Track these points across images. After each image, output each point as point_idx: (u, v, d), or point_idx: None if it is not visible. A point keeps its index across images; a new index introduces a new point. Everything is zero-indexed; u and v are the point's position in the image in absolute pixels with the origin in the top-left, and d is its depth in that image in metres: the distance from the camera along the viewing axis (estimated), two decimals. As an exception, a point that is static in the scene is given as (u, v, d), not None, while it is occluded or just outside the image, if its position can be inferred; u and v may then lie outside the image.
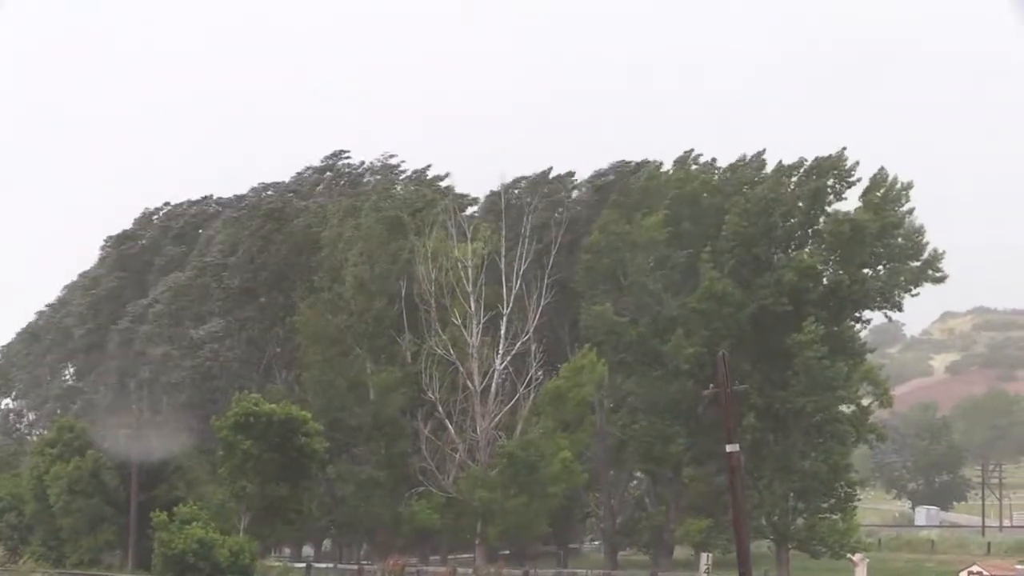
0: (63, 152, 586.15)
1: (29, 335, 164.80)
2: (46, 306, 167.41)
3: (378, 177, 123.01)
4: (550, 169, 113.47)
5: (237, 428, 74.95)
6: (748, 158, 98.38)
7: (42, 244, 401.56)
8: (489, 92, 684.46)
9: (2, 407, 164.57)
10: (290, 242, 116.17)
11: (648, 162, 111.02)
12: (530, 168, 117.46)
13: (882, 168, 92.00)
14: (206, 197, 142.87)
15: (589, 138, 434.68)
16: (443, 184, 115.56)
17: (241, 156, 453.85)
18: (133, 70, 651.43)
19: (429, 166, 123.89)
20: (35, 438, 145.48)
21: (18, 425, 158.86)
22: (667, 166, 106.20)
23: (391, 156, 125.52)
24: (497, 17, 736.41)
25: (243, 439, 74.20)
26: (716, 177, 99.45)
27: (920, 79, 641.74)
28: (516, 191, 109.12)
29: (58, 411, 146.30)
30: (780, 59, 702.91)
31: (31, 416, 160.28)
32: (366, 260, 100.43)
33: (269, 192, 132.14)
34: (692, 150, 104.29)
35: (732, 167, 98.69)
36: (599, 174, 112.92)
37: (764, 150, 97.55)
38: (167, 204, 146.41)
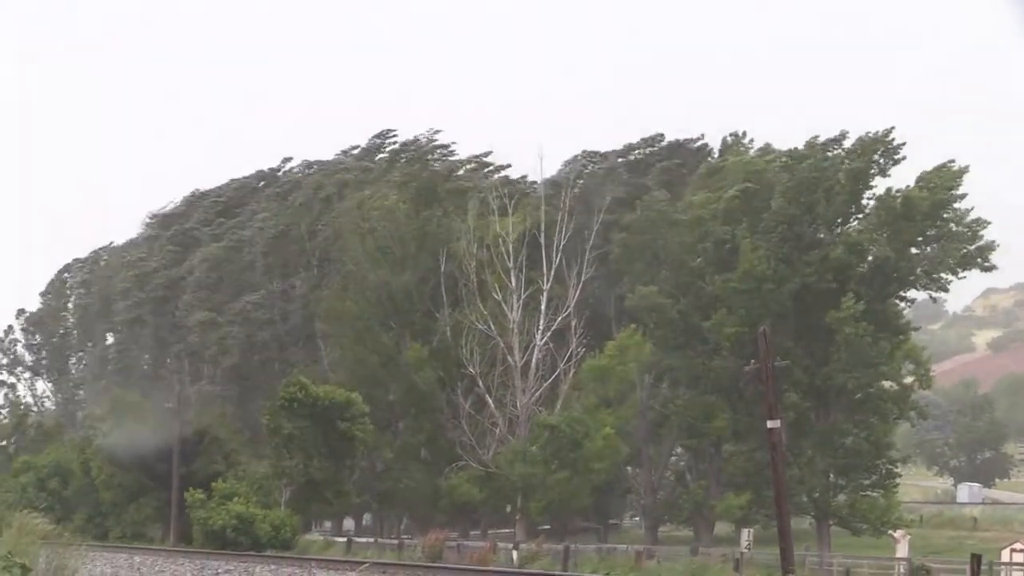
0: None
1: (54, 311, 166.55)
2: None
3: (430, 157, 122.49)
4: (612, 153, 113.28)
5: (282, 411, 75.38)
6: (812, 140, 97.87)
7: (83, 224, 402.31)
8: (530, 76, 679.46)
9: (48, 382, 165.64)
10: (329, 217, 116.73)
11: (688, 140, 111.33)
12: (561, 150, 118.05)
13: (952, 160, 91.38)
14: (259, 172, 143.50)
15: (609, 121, 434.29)
16: (487, 160, 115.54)
17: (278, 143, 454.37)
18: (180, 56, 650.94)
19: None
20: (81, 413, 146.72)
21: (67, 404, 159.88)
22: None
23: (436, 132, 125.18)
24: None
25: (287, 423, 74.59)
26: (772, 158, 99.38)
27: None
28: (559, 166, 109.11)
29: (103, 382, 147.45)
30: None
31: (80, 392, 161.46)
32: (393, 233, 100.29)
33: (313, 169, 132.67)
34: (769, 144, 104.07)
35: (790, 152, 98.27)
36: (646, 143, 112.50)
37: (818, 136, 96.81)
38: (195, 191, 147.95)
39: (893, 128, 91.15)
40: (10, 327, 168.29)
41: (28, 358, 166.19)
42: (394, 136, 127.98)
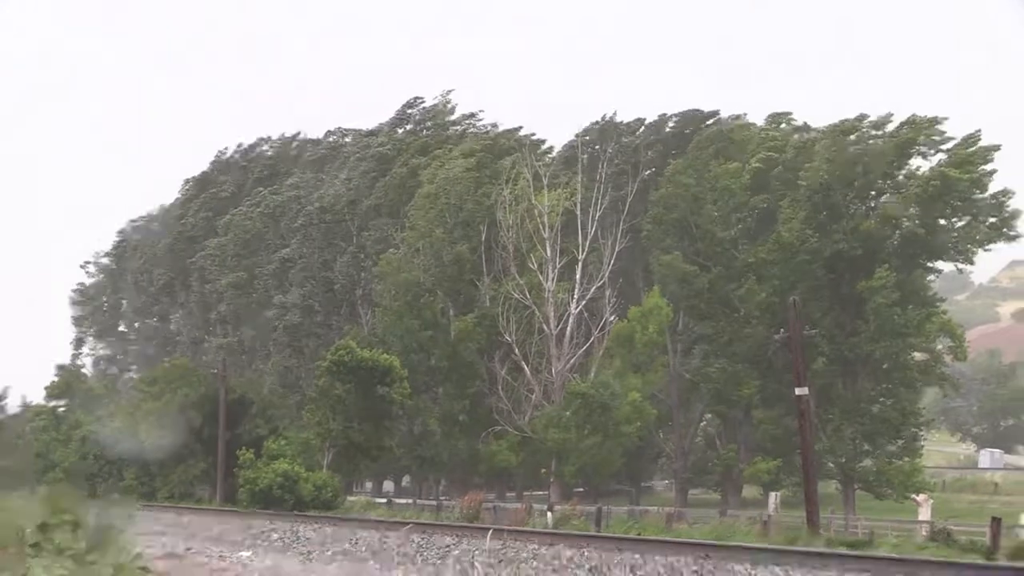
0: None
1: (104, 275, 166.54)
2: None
3: (459, 128, 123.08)
4: (641, 120, 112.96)
5: (331, 373, 75.59)
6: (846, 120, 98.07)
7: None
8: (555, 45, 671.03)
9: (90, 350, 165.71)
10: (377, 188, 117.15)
11: (716, 113, 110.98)
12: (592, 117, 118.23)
13: (978, 130, 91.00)
14: (294, 136, 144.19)
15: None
16: (522, 134, 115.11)
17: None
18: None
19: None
20: (128, 376, 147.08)
21: (112, 367, 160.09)
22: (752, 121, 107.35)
23: (449, 91, 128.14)
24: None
25: (337, 384, 74.83)
26: (806, 135, 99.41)
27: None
28: (588, 137, 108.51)
29: (150, 351, 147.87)
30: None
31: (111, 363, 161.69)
32: (451, 204, 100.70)
33: (347, 139, 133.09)
34: (789, 112, 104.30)
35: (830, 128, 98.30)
36: (672, 119, 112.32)
37: (864, 115, 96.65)
38: (240, 145, 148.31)
39: (947, 118, 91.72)
40: (81, 284, 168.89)
41: (92, 313, 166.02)
42: (421, 102, 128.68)
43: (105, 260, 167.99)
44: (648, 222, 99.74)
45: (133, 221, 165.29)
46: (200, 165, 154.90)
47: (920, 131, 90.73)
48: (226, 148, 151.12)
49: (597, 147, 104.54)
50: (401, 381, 76.83)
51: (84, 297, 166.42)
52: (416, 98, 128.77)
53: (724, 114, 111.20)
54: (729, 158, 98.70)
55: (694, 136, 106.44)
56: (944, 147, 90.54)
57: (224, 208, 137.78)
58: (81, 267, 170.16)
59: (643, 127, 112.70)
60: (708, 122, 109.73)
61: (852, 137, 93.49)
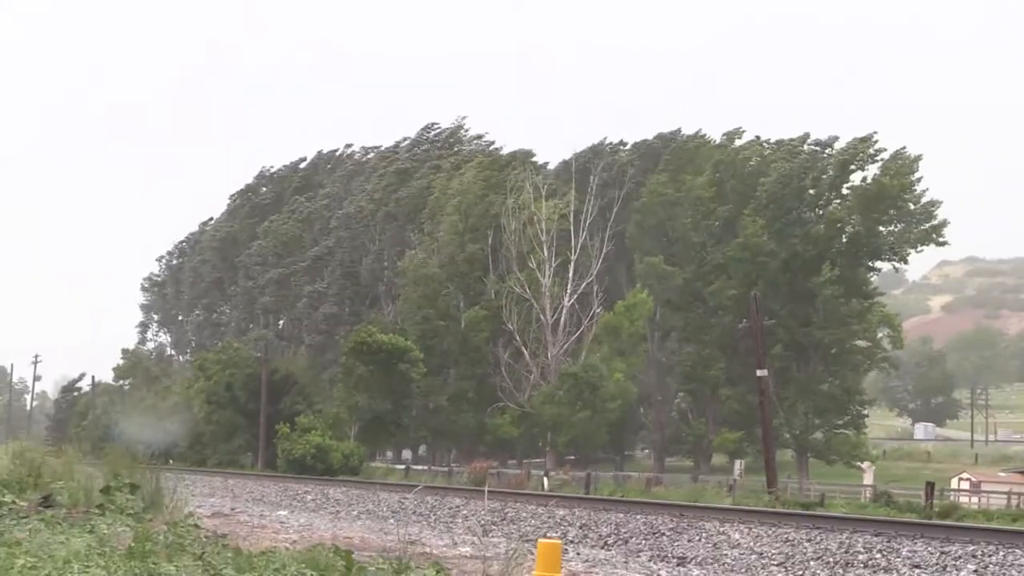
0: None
1: (161, 279, 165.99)
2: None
3: (470, 147, 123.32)
4: (624, 142, 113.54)
5: (354, 354, 75.48)
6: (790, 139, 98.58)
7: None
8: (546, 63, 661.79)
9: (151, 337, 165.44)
10: (395, 198, 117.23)
11: (679, 131, 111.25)
12: (585, 134, 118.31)
13: (904, 147, 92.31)
14: (326, 153, 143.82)
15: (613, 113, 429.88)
16: (524, 151, 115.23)
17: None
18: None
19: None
20: (180, 360, 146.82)
21: (170, 352, 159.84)
22: (712, 137, 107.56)
23: (464, 118, 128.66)
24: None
25: (359, 364, 74.76)
26: (760, 149, 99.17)
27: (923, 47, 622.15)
28: (578, 153, 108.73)
29: (202, 338, 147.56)
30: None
31: (171, 348, 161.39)
32: (464, 211, 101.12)
33: (370, 155, 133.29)
34: (740, 127, 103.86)
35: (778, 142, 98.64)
36: (649, 141, 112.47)
37: (808, 134, 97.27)
38: (284, 166, 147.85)
39: (876, 132, 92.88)
40: (151, 274, 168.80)
41: (157, 303, 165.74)
42: (437, 127, 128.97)
43: (169, 258, 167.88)
44: (630, 228, 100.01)
45: (203, 223, 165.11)
46: (246, 180, 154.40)
47: (858, 151, 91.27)
48: (271, 165, 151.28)
49: (588, 164, 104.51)
50: (417, 362, 76.78)
51: (152, 285, 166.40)
52: (432, 123, 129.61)
53: (690, 130, 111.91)
54: (697, 171, 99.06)
55: (663, 153, 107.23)
56: (878, 158, 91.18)
57: (265, 215, 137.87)
58: (157, 260, 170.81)
59: (627, 147, 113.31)
60: (675, 140, 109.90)
61: (801, 156, 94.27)
